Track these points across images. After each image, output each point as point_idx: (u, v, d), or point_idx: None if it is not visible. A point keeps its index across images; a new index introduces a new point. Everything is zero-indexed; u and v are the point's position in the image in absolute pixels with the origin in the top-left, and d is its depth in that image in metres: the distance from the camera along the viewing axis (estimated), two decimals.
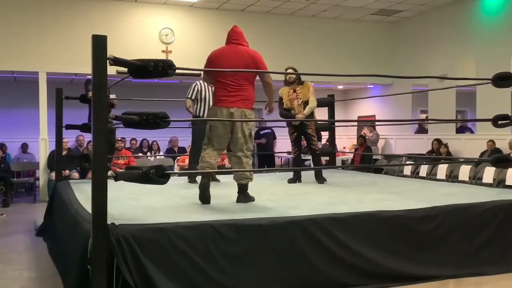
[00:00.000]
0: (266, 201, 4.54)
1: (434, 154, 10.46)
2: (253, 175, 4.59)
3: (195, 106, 6.41)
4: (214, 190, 5.06)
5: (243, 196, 4.50)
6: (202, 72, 4.90)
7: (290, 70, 5.95)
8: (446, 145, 10.37)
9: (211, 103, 6.27)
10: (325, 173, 6.36)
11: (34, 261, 5.04)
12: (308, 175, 6.46)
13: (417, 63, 11.91)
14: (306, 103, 6.04)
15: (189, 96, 6.41)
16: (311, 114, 6.13)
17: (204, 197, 4.43)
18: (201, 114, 6.36)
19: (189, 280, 3.29)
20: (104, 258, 3.06)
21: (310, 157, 10.62)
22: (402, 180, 6.94)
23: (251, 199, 4.51)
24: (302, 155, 6.51)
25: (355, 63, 12.02)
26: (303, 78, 6.21)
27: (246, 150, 4.46)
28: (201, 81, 6.43)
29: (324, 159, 9.69)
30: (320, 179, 6.09)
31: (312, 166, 6.66)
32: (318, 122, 8.20)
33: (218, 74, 4.45)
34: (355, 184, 6.03)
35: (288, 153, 11.35)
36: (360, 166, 10.15)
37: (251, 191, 4.56)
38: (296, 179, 6.19)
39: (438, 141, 10.59)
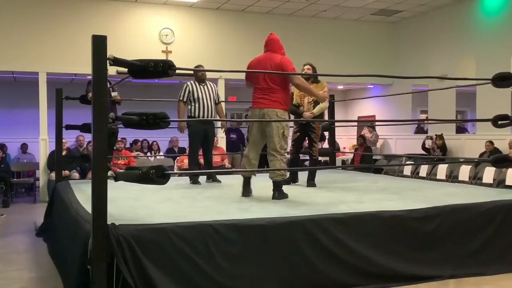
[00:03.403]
0: (266, 201, 4.53)
1: (432, 150, 10.57)
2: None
3: (189, 107, 6.22)
4: (214, 190, 5.06)
5: (278, 192, 4.69)
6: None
7: (307, 66, 5.90)
8: (441, 136, 10.47)
9: (206, 103, 6.20)
10: (325, 173, 6.33)
11: (34, 261, 5.04)
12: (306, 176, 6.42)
13: (417, 63, 11.91)
14: (316, 102, 5.77)
15: (181, 98, 6.19)
16: (321, 115, 5.86)
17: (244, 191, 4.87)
18: (196, 115, 6.19)
19: (189, 280, 3.28)
20: (104, 258, 3.07)
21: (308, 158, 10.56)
22: (402, 180, 6.93)
23: (285, 195, 4.69)
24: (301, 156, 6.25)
25: (355, 63, 12.01)
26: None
27: (280, 148, 4.70)
28: (192, 81, 6.25)
29: (324, 159, 9.68)
30: (310, 183, 5.80)
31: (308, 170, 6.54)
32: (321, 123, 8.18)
33: (254, 80, 4.81)
34: (355, 184, 6.02)
35: (287, 153, 11.29)
36: (360, 166, 10.14)
37: None
38: (291, 179, 5.84)
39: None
